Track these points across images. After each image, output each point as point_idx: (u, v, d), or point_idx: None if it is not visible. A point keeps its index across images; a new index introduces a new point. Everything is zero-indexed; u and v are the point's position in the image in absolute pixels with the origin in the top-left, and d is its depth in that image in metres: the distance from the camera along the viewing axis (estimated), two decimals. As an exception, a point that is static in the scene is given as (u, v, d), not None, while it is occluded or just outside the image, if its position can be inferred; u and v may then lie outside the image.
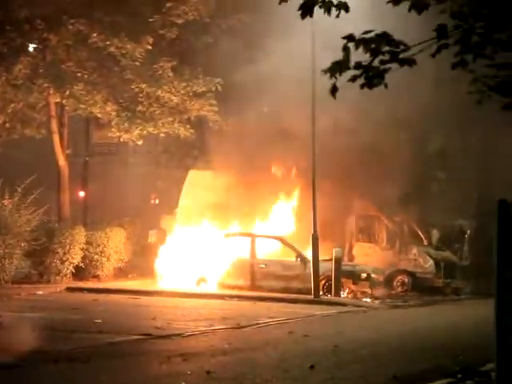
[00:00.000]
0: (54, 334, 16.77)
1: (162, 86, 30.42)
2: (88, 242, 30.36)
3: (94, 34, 28.79)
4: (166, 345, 16.24)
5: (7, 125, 30.14)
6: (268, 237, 29.38)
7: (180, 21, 29.70)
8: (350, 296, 27.68)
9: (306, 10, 8.90)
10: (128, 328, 17.92)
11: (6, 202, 27.91)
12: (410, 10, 9.01)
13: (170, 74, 30.37)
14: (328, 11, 8.89)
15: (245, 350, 15.81)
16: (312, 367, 13.35)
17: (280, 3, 9.22)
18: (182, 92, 30.87)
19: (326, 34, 22.07)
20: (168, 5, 29.24)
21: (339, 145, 28.01)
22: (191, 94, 31.16)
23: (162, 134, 32.11)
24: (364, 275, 28.49)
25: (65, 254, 29.22)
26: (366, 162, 28.99)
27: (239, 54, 28.80)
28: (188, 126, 31.79)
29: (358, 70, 8.92)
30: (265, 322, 20.32)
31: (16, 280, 27.21)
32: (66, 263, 29.33)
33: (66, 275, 29.28)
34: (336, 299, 26.48)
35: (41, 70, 29.57)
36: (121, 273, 31.69)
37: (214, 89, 30.99)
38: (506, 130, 27.35)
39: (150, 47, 29.27)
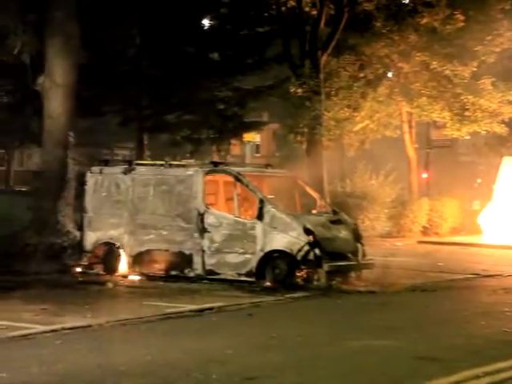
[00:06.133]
0: (410, 272, 16.87)
1: (483, 97, 29.63)
2: (430, 209, 30.25)
3: (434, 62, 28.60)
4: (491, 281, 15.85)
5: (375, 128, 30.66)
6: None
7: (497, 49, 28.74)
8: None
9: None
10: (461, 269, 17.64)
11: (373, 181, 28.52)
12: None
13: (490, 88, 29.45)
14: None
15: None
16: None
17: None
18: (499, 100, 29.83)
19: None
20: (488, 38, 28.39)
21: None
22: (505, 101, 30.04)
23: (483, 132, 31.23)
24: None
25: (414, 217, 29.34)
26: None
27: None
28: (503, 125, 30.73)
29: None
30: None
31: (381, 235, 27.60)
32: (415, 224, 29.40)
33: (415, 232, 29.37)
34: None
35: (396, 90, 29.83)
36: (455, 231, 31.14)
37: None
38: None
39: (474, 69, 28.66)
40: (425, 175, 36.31)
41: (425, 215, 29.77)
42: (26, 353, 8.44)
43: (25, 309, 11.14)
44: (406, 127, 32.25)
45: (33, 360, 7.95)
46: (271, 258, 14.35)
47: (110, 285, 14.25)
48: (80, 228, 16.42)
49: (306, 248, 14.06)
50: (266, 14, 27.26)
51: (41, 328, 9.72)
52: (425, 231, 29.80)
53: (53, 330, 9.62)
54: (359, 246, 15.18)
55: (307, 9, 26.22)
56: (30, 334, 9.34)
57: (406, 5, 27.42)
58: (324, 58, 25.55)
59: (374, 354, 8.46)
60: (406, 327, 10.28)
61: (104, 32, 24.28)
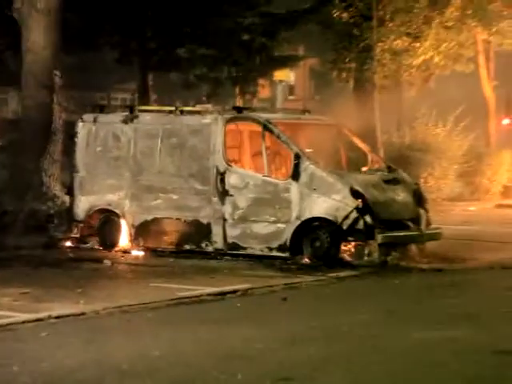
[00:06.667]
0: (487, 245, 16.76)
1: None
2: (514, 164, 30.23)
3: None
4: None
5: (442, 62, 30.37)
6: None
7: None
8: None
9: None
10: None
11: (438, 130, 28.32)
12: None
13: None
14: None
15: None
16: None
17: None
18: None
19: None
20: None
21: None
22: None
23: None
24: None
25: (493, 174, 29.30)
26: None
27: None
28: None
29: None
30: None
31: (450, 198, 27.43)
32: (494, 183, 29.39)
33: (494, 194, 29.24)
34: None
35: (469, 12, 29.45)
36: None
37: None
38: None
39: None
40: (506, 121, 35.99)
41: (506, 172, 29.65)
42: (3, 347, 8.49)
43: (1, 293, 11.20)
44: (481, 60, 31.87)
45: (12, 356, 7.98)
46: (310, 228, 14.39)
47: (107, 262, 14.33)
48: (70, 191, 16.50)
49: (354, 215, 14.05)
50: None
51: (22, 317, 9.78)
52: (506, 192, 29.71)
53: (37, 319, 9.69)
54: (422, 211, 15.16)
55: None
56: (8, 325, 9.40)
57: None
58: (376, -26, 25.28)
59: (442, 348, 8.39)
60: (484, 314, 10.21)
61: None
